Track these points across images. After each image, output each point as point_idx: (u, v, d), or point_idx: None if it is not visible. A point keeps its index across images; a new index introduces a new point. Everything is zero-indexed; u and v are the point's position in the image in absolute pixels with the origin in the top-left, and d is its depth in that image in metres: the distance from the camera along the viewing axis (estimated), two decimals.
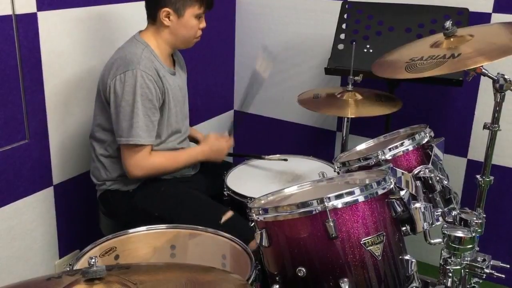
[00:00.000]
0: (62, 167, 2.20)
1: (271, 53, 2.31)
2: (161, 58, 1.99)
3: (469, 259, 1.53)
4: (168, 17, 1.95)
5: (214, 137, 2.18)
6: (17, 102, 1.97)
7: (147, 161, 1.94)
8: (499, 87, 1.74)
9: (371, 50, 2.33)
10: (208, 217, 1.86)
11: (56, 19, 2.04)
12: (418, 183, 1.65)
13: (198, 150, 2.14)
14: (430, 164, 1.69)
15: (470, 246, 1.52)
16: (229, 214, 1.85)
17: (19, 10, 1.90)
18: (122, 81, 1.87)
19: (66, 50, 2.11)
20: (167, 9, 1.93)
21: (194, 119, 2.80)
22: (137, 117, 1.88)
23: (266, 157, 2.29)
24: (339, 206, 1.31)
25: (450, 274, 1.49)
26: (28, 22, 1.94)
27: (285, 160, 2.27)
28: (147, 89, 1.88)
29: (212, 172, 2.20)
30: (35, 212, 2.13)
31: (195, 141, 2.32)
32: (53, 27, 2.04)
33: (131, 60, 1.89)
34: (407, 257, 1.39)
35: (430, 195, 1.67)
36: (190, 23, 1.97)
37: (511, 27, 1.87)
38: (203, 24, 2.03)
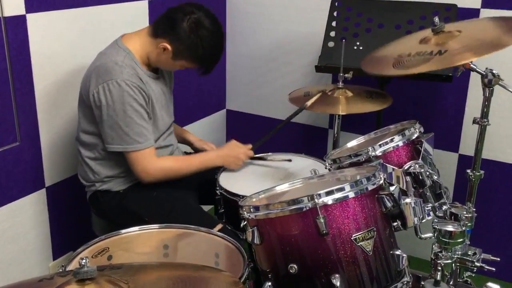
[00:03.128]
0: (54, 169, 2.20)
1: None
2: (142, 64, 1.97)
3: (460, 253, 1.55)
4: (164, 51, 1.93)
5: (235, 143, 2.16)
6: (8, 105, 1.97)
7: (154, 164, 1.95)
8: (488, 82, 1.76)
9: (361, 47, 2.35)
10: None
11: (45, 21, 2.04)
12: (408, 178, 1.66)
13: (214, 154, 2.13)
14: (420, 159, 1.70)
15: (461, 240, 1.53)
16: (219, 226, 1.85)
17: (8, 13, 1.90)
18: (107, 91, 1.85)
19: (55, 52, 2.11)
20: (167, 45, 1.91)
21: (186, 119, 2.80)
22: (131, 125, 1.88)
23: (269, 157, 2.24)
24: (330, 202, 1.32)
25: (441, 268, 1.50)
26: (17, 25, 1.94)
27: (289, 160, 2.23)
28: (136, 95, 1.88)
29: (204, 171, 2.20)
30: (28, 215, 2.13)
31: (187, 143, 2.32)
32: (42, 29, 2.04)
33: (113, 68, 1.87)
34: (398, 252, 1.39)
35: (421, 190, 1.68)
36: (175, 66, 1.99)
37: (499, 22, 1.88)
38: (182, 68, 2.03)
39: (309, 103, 2.16)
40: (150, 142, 1.94)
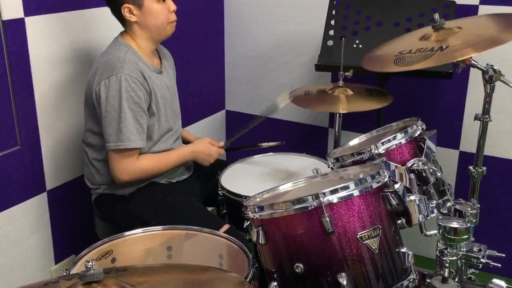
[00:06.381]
0: (55, 172, 2.19)
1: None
2: (145, 58, 1.97)
3: (465, 249, 1.54)
4: (132, 13, 1.93)
5: (209, 140, 2.17)
6: (8, 108, 1.96)
7: (134, 165, 1.93)
8: (489, 78, 1.76)
9: (360, 46, 2.34)
10: None
11: (44, 24, 2.03)
12: (412, 175, 1.66)
13: (188, 149, 2.12)
14: (423, 156, 1.70)
15: (466, 236, 1.53)
16: (226, 227, 1.84)
17: (6, 16, 1.89)
18: (107, 86, 1.85)
19: (54, 54, 2.10)
20: (126, 5, 1.91)
21: (186, 120, 2.79)
22: (125, 121, 1.86)
23: (263, 144, 2.29)
24: (335, 201, 1.31)
25: (447, 265, 1.50)
26: (16, 28, 1.93)
27: (283, 143, 2.28)
28: (133, 92, 1.87)
29: (206, 173, 2.19)
30: (29, 219, 2.11)
31: (187, 143, 2.31)
32: (41, 32, 2.03)
33: (115, 64, 1.87)
34: (403, 249, 1.39)
35: (424, 187, 1.68)
36: (154, 9, 1.93)
37: (498, 19, 1.88)
38: (172, 7, 1.98)
39: (281, 103, 2.22)
40: (142, 142, 1.93)
